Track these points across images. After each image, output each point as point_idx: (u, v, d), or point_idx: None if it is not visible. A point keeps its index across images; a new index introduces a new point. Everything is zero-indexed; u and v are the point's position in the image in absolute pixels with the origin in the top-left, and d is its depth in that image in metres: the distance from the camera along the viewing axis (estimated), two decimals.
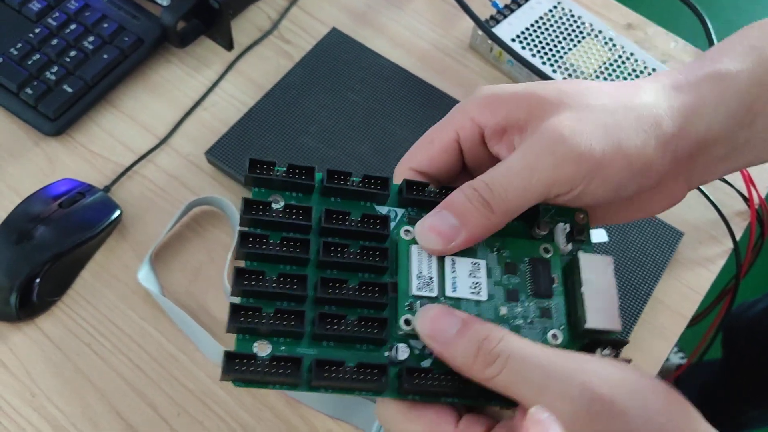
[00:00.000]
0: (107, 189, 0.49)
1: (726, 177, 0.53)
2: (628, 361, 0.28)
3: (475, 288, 0.29)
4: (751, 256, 0.56)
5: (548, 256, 0.30)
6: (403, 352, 0.28)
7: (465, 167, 0.33)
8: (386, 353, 0.28)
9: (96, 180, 0.50)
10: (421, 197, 0.30)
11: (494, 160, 0.31)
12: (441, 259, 0.29)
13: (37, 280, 0.44)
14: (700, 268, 0.51)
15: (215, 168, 0.51)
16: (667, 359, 0.71)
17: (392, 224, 0.30)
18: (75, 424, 0.42)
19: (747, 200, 0.52)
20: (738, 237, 0.52)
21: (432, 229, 0.29)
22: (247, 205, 0.28)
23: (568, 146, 0.28)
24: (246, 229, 0.28)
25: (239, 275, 0.27)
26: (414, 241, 0.29)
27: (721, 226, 0.51)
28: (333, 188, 0.29)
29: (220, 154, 0.50)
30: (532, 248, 0.30)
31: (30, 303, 0.44)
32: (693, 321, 0.63)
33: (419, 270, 0.28)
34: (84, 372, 0.43)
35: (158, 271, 0.47)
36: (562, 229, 0.31)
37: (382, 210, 0.30)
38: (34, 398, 0.42)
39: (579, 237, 0.31)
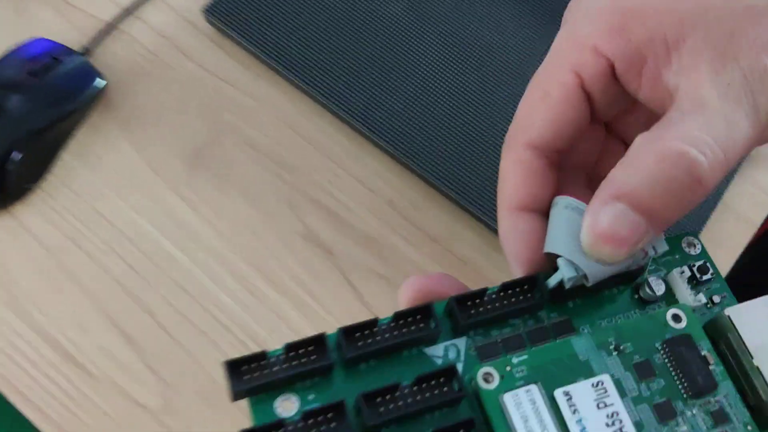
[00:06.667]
0: (87, 51, 0.41)
1: None
2: None
3: (612, 422, 0.20)
4: None
5: (683, 326, 0.22)
6: None
7: (593, 119, 0.25)
8: None
9: (74, 40, 0.41)
10: (482, 314, 0.21)
11: (632, 102, 0.23)
12: (551, 400, 0.20)
13: (14, 158, 0.37)
14: None
15: (215, 29, 0.42)
16: None
17: (459, 366, 0.21)
18: (63, 330, 0.37)
19: None
20: None
21: (606, 238, 0.20)
22: None
23: None
24: None
25: None
26: (501, 389, 0.20)
27: None
28: (358, 355, 0.21)
29: (222, 13, 0.41)
30: (656, 324, 0.22)
31: (3, 188, 0.38)
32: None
33: (527, 429, 0.20)
34: (70, 270, 0.38)
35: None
36: (679, 276, 0.23)
37: (436, 352, 0.21)
38: (13, 300, 0.37)
39: (705, 277, 0.23)
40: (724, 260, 0.42)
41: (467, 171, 0.40)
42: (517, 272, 0.24)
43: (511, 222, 0.24)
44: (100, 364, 0.37)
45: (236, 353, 0.37)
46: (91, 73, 0.40)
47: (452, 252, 0.40)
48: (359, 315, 0.38)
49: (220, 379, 0.37)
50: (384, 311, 0.39)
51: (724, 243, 0.42)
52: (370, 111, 0.41)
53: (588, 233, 0.21)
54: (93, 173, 0.40)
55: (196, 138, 0.41)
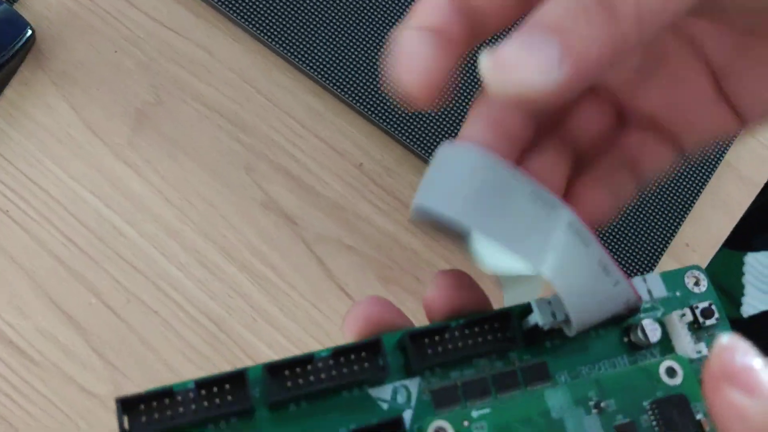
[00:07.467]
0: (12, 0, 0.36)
1: None
2: None
3: None
4: None
5: (677, 382, 0.18)
6: None
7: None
8: None
9: None
10: (441, 355, 0.18)
11: None
12: None
13: None
14: None
15: None
16: None
17: (406, 415, 0.18)
18: (0, 314, 0.34)
19: None
20: None
21: (506, 63, 0.15)
22: None
23: None
24: None
25: None
26: None
27: None
28: (286, 398, 0.17)
29: None
30: (647, 378, 0.18)
31: None
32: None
33: None
34: (4, 247, 0.34)
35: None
36: (679, 321, 0.19)
37: (383, 395, 0.18)
38: None
39: (709, 322, 0.19)
40: (725, 224, 0.39)
41: (445, 131, 0.36)
42: (411, 91, 0.17)
43: (420, 37, 0.18)
44: (43, 350, 0.34)
45: (191, 333, 0.35)
46: (18, 22, 0.35)
47: None
48: (325, 290, 0.35)
49: (174, 363, 0.34)
50: (352, 286, 0.36)
51: (726, 205, 0.39)
52: (336, 65, 0.36)
53: (486, 59, 0.16)
54: (25, 137, 0.36)
55: (142, 96, 0.37)
